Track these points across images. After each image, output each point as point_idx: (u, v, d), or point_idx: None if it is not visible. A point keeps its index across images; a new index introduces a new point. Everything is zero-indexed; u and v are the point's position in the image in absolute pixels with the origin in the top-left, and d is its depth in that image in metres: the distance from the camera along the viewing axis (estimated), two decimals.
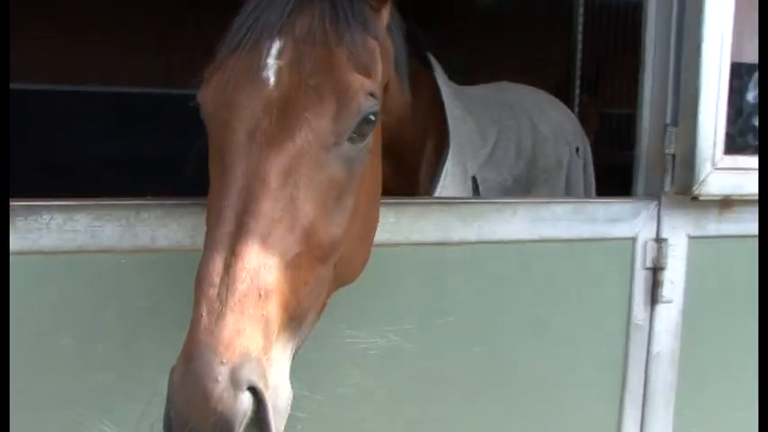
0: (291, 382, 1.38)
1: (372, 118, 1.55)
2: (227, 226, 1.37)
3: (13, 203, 1.68)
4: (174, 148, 7.90)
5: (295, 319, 1.42)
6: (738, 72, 2.26)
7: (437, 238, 1.96)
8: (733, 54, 2.23)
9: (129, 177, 7.19)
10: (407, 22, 2.26)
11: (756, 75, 2.31)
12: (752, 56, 2.29)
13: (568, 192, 3.88)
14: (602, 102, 6.64)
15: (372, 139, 1.61)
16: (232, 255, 1.34)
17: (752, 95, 2.31)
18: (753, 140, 2.32)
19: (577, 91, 6.60)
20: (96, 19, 8.39)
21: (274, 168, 1.42)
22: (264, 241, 1.36)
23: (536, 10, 7.56)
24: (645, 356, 2.31)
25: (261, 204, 1.39)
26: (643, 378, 2.33)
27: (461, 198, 2.39)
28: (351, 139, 1.53)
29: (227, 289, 1.31)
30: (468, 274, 2.03)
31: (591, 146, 4.19)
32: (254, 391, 1.26)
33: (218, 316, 1.28)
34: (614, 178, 3.96)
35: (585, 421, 2.29)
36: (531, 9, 7.59)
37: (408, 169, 2.51)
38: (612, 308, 2.23)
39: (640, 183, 2.31)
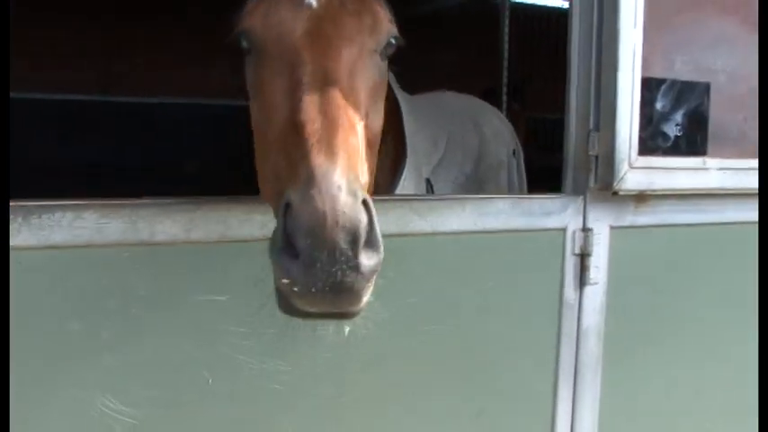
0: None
1: (393, 41, 1.93)
2: (317, 95, 1.66)
3: (29, 203, 1.89)
4: (112, 154, 7.96)
5: (365, 174, 1.70)
6: (649, 85, 2.61)
7: (398, 230, 2.25)
8: (644, 70, 2.59)
9: (70, 182, 7.30)
10: None
11: (664, 87, 2.69)
12: (659, 71, 2.65)
13: (509, 188, 4.24)
14: (528, 110, 7.01)
15: None
16: (328, 110, 1.63)
17: (660, 105, 2.67)
18: (662, 143, 2.69)
19: (504, 98, 6.98)
20: (38, 26, 8.42)
21: (340, 65, 1.74)
22: (347, 108, 1.68)
23: (463, 20, 7.90)
24: (575, 332, 2.65)
25: (338, 82, 1.70)
26: (574, 352, 2.66)
27: (418, 195, 2.68)
28: (380, 55, 1.90)
29: (330, 131, 1.58)
30: (425, 261, 2.33)
31: (522, 149, 4.57)
32: (365, 205, 1.48)
33: (329, 147, 1.53)
34: (547, 178, 4.34)
35: (526, 391, 2.61)
36: (459, 19, 7.95)
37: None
38: (547, 290, 2.56)
39: (569, 180, 2.65)
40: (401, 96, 3.15)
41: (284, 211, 1.48)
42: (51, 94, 8.16)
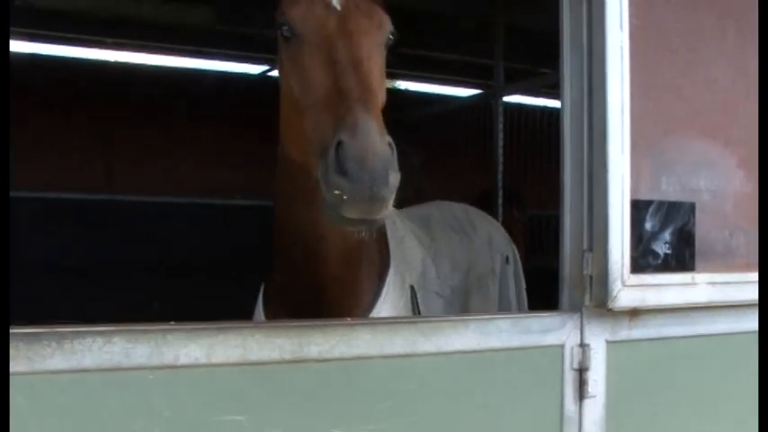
0: None
1: (391, 37, 2.63)
2: (350, 69, 2.31)
3: (63, 329, 2.02)
4: (115, 253, 8.06)
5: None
6: (637, 207, 2.79)
7: (404, 351, 2.38)
8: (632, 192, 2.78)
9: (72, 282, 7.41)
10: None
11: (652, 208, 2.87)
12: (647, 194, 2.84)
13: (501, 296, 4.37)
14: (525, 214, 7.14)
15: None
16: (357, 83, 2.27)
17: (649, 225, 2.85)
18: (652, 261, 2.85)
19: (500, 200, 7.12)
20: (38, 124, 8.67)
21: (362, 50, 2.41)
22: (371, 80, 2.36)
23: (457, 122, 8.16)
24: None
25: (362, 64, 2.36)
26: None
27: (424, 316, 2.82)
28: (384, 47, 2.60)
29: (363, 95, 2.23)
30: (429, 381, 2.45)
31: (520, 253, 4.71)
32: (389, 144, 2.08)
33: (365, 106, 2.16)
34: (544, 281, 4.47)
35: None
36: (453, 120, 8.20)
37: (351, 281, 2.98)
38: (548, 404, 2.67)
39: (565, 298, 2.79)
40: None
41: (336, 147, 2.05)
42: (57, 192, 8.34)
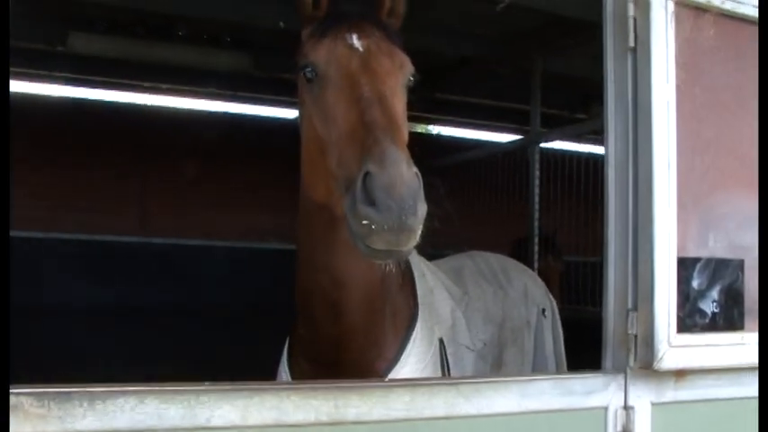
0: None
1: (411, 78, 2.65)
2: (374, 105, 2.33)
3: (95, 389, 1.98)
4: (150, 296, 8.08)
5: None
6: (684, 264, 2.72)
7: (444, 414, 2.30)
8: (679, 249, 2.70)
9: (109, 323, 7.43)
10: None
11: (699, 265, 2.78)
12: (694, 251, 2.76)
13: (537, 349, 4.26)
14: (561, 261, 7.04)
15: None
16: (382, 117, 2.28)
17: (696, 283, 2.76)
18: (700, 320, 2.75)
19: (536, 248, 7.04)
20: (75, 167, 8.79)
21: (386, 88, 2.44)
22: (395, 114, 2.38)
23: (493, 168, 8.11)
24: None
25: (386, 100, 2.39)
26: None
27: (465, 378, 2.74)
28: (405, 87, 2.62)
29: (389, 128, 2.24)
30: None
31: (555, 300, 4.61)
32: (416, 175, 2.08)
33: (391, 138, 2.17)
34: (582, 331, 4.36)
35: None
36: (489, 166, 8.15)
37: (374, 332, 2.92)
38: None
39: (608, 358, 2.70)
40: (416, 258, 3.30)
41: (363, 178, 2.06)
42: (88, 234, 8.41)
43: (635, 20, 2.68)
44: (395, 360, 2.90)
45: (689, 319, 2.71)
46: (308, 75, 2.59)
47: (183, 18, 7.13)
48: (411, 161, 2.12)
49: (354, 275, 2.75)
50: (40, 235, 8.14)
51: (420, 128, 11.93)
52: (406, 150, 2.20)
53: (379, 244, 2.08)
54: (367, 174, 2.07)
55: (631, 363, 2.64)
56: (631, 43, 2.68)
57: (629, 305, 2.66)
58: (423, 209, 2.06)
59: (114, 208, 9.10)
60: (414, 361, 2.95)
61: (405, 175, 2.04)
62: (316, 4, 2.77)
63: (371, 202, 2.04)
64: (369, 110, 2.32)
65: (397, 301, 3.03)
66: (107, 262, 8.33)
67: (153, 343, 7.13)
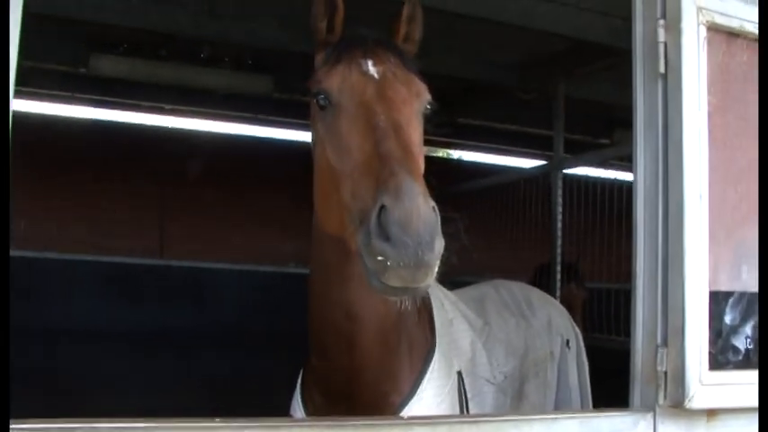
0: None
1: (429, 106, 2.54)
2: (390, 135, 2.23)
3: (100, 425, 1.90)
4: (169, 319, 8.05)
5: None
6: (716, 298, 2.60)
7: None
8: (711, 283, 2.59)
9: (126, 348, 7.38)
10: None
11: (732, 299, 2.66)
12: (726, 284, 2.64)
13: (560, 382, 4.13)
14: (584, 289, 6.90)
15: None
16: (397, 148, 2.19)
17: (728, 318, 2.64)
18: (732, 357, 2.63)
19: (558, 276, 6.91)
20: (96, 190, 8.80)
21: (402, 116, 2.35)
22: (411, 144, 2.29)
23: (515, 193, 8.01)
24: None
25: (402, 129, 2.29)
26: None
27: (486, 415, 2.64)
28: (421, 115, 2.51)
29: (405, 159, 2.14)
30: None
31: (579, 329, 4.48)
32: (433, 209, 1.99)
33: (407, 170, 2.07)
34: (605, 362, 4.22)
35: None
36: (511, 192, 8.06)
37: (388, 366, 2.82)
38: None
39: (636, 395, 2.58)
40: (435, 289, 3.21)
41: (378, 212, 1.97)
42: (108, 256, 8.40)
43: (665, 45, 2.59)
44: (410, 394, 2.80)
45: (721, 356, 2.59)
46: (321, 102, 2.49)
47: (205, 40, 7.14)
48: (428, 194, 2.03)
49: (369, 309, 2.67)
50: (53, 256, 8.13)
51: (441, 153, 11.88)
52: (422, 182, 2.10)
53: (394, 281, 1.99)
54: (382, 207, 1.98)
55: (660, 401, 2.52)
56: (662, 69, 2.59)
57: (659, 340, 2.55)
58: (440, 244, 1.98)
59: (133, 230, 9.11)
60: (430, 395, 2.85)
61: (421, 209, 1.95)
62: (330, 28, 2.69)
63: (386, 237, 1.95)
64: (384, 140, 2.22)
65: (413, 334, 2.94)
66: (126, 284, 8.30)
67: (170, 367, 7.07)
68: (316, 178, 2.64)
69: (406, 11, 2.78)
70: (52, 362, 7.28)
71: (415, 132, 2.42)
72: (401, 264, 1.93)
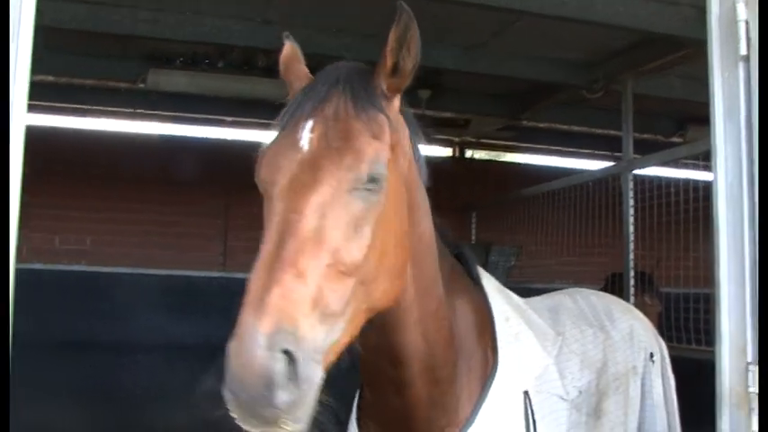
0: None
1: (381, 171, 2.06)
2: (273, 245, 1.87)
3: None
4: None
5: (326, 314, 1.86)
6: None
7: None
8: None
9: (192, 360, 7.33)
10: (438, 229, 2.62)
11: None
12: None
13: (644, 398, 3.83)
14: (659, 300, 6.48)
15: (390, 191, 2.12)
16: (276, 260, 1.82)
17: None
18: None
19: (632, 282, 6.53)
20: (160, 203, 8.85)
21: (307, 205, 1.94)
22: (299, 252, 1.85)
23: (584, 198, 7.68)
24: None
25: (298, 228, 1.89)
26: None
27: None
28: (366, 186, 2.03)
29: (269, 283, 1.77)
30: None
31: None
32: (288, 354, 1.70)
33: (260, 300, 1.74)
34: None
35: None
36: (580, 196, 7.74)
37: (443, 399, 2.65)
38: None
39: (725, 419, 2.29)
40: (500, 301, 2.98)
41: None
42: (171, 270, 8.43)
43: (747, 23, 2.31)
44: (469, 422, 2.62)
45: None
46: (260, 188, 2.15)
47: (261, 50, 7.06)
48: (283, 332, 1.71)
49: (411, 352, 2.49)
50: (124, 270, 8.20)
51: (507, 156, 11.62)
52: (285, 315, 1.75)
53: (248, 428, 1.78)
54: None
55: (754, 426, 2.23)
56: (743, 51, 2.31)
57: (749, 358, 2.27)
58: (292, 394, 1.71)
59: (198, 244, 9.13)
60: (489, 418, 2.66)
61: (256, 361, 1.68)
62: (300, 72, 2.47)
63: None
64: (259, 257, 1.87)
65: (473, 355, 2.76)
66: (191, 298, 8.30)
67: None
68: None
69: (393, 35, 2.17)
70: (123, 375, 7.35)
71: (329, 223, 1.94)
72: (242, 417, 1.75)
